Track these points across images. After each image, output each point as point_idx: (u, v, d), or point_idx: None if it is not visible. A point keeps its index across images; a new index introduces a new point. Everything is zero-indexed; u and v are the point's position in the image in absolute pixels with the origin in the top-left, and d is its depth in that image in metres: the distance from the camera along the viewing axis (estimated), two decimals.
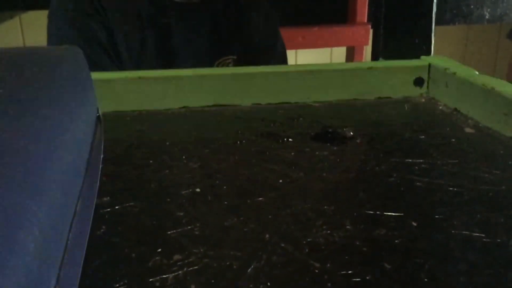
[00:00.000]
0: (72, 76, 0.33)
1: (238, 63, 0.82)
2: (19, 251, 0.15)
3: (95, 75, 0.40)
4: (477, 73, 0.48)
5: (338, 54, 1.58)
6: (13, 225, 0.16)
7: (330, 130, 0.45)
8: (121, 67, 0.76)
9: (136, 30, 0.77)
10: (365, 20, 1.33)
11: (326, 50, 1.55)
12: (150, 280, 0.24)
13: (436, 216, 0.30)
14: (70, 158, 0.25)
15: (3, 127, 0.21)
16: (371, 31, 1.30)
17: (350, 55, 1.39)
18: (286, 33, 1.26)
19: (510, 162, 0.38)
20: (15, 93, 0.26)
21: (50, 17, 0.79)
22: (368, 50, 1.36)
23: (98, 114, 0.34)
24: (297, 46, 1.31)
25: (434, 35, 0.96)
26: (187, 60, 0.79)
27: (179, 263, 0.26)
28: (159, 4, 0.78)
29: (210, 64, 0.80)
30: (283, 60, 0.90)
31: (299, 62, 1.59)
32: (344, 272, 0.25)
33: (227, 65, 0.81)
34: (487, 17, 1.34)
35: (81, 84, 0.33)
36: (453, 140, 0.43)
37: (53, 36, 0.78)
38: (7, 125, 0.22)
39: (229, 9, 0.83)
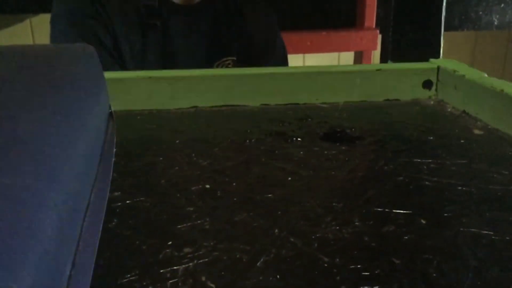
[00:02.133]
0: (86, 73, 0.33)
1: (237, 64, 0.83)
2: (38, 233, 0.16)
3: (107, 75, 0.41)
4: (485, 75, 0.48)
5: (346, 59, 1.58)
6: (33, 209, 0.17)
7: (338, 130, 0.45)
8: (124, 68, 0.77)
9: (137, 32, 0.78)
10: (373, 25, 1.33)
11: (334, 55, 1.56)
12: (161, 271, 0.25)
13: (445, 214, 0.31)
14: (85, 150, 0.25)
15: (24, 119, 0.22)
16: (379, 36, 1.30)
17: (358, 60, 1.40)
18: (294, 37, 1.27)
19: None
20: (34, 87, 0.26)
21: (52, 21, 0.79)
22: (376, 55, 1.36)
23: (110, 110, 0.35)
24: (305, 50, 1.31)
25: (443, 41, 0.97)
26: (186, 61, 0.79)
27: (189, 256, 0.26)
28: (159, 6, 0.78)
29: (210, 66, 0.81)
30: (284, 61, 0.90)
31: None
32: (353, 266, 0.25)
33: (227, 66, 0.81)
34: (496, 23, 1.35)
35: (94, 81, 0.33)
36: (462, 141, 0.43)
37: (56, 39, 0.79)
38: (27, 117, 0.22)
39: (228, 11, 0.84)
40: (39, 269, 0.15)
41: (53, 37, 0.79)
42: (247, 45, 0.84)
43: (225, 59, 0.81)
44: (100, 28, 0.76)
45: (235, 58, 0.82)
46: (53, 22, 0.79)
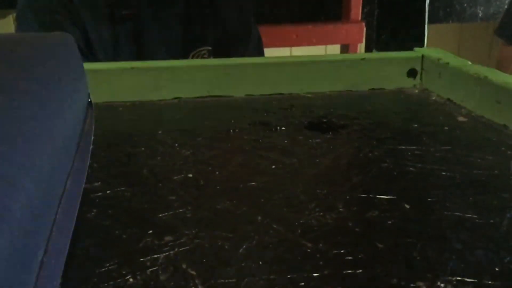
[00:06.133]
0: (64, 60, 0.32)
1: (213, 54, 0.82)
2: (6, 217, 0.15)
3: (87, 66, 0.40)
4: (469, 62, 0.48)
5: (332, 52, 1.58)
6: (1, 192, 0.16)
7: (323, 119, 0.45)
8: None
9: (108, 25, 0.75)
10: (359, 18, 1.33)
11: (321, 48, 1.56)
12: (141, 259, 0.24)
13: (429, 199, 0.30)
14: (61, 137, 0.24)
15: None
16: (365, 29, 1.30)
17: (344, 53, 1.39)
18: (280, 30, 1.26)
19: (503, 148, 0.38)
20: (8, 74, 0.26)
21: (18, 18, 0.76)
22: (362, 48, 1.36)
23: (89, 100, 0.34)
24: (291, 43, 1.31)
25: (428, 33, 0.97)
26: (161, 53, 0.78)
27: (170, 244, 0.26)
28: None
29: (185, 56, 0.79)
30: (259, 51, 0.90)
31: None
32: (336, 251, 0.25)
33: (202, 57, 0.80)
34: (480, 15, 1.35)
35: (72, 69, 0.33)
36: (446, 128, 0.43)
37: None
38: (0, 103, 0.22)
39: (201, 0, 0.82)
40: (7, 252, 0.15)
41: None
42: (221, 34, 0.83)
43: (200, 49, 0.80)
44: (68, 24, 0.74)
45: (210, 48, 0.81)
46: (18, 19, 0.76)
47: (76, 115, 0.30)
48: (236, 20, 0.85)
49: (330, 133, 0.42)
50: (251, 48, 0.87)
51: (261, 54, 0.90)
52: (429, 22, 0.95)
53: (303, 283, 0.22)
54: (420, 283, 0.22)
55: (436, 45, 0.58)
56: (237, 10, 0.86)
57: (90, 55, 0.75)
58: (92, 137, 0.31)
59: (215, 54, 0.82)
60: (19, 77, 0.26)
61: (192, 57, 0.79)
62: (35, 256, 0.17)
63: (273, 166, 0.35)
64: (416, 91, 0.53)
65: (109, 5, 0.76)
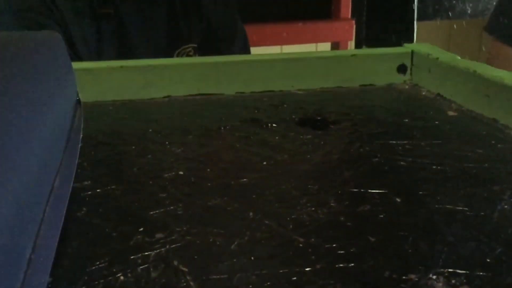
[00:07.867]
0: (51, 58, 0.32)
1: (199, 51, 0.81)
2: None
3: (77, 65, 0.39)
4: (459, 57, 0.48)
5: (322, 50, 1.58)
6: None
7: (314, 115, 0.45)
8: None
9: (91, 24, 0.74)
10: (349, 16, 1.33)
11: (311, 46, 1.56)
12: (132, 257, 0.24)
13: (420, 192, 0.30)
14: (49, 134, 0.24)
15: None
16: (354, 26, 1.30)
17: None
18: (270, 29, 1.26)
19: (492, 142, 0.38)
20: None
21: None
22: (352, 45, 1.37)
23: (77, 98, 0.34)
24: (282, 42, 1.31)
25: (417, 32, 0.97)
26: (146, 51, 0.77)
27: (161, 241, 0.25)
28: None
29: (171, 54, 0.79)
30: (246, 48, 0.89)
31: None
32: (329, 245, 0.25)
33: (188, 54, 0.80)
34: (469, 12, 1.36)
35: (60, 67, 0.32)
36: (437, 122, 0.43)
37: None
38: None
39: None
40: None
41: None
42: (207, 32, 0.83)
43: (185, 46, 0.80)
44: (50, 23, 0.73)
45: (195, 45, 0.81)
46: None
47: (64, 112, 0.29)
48: (221, 17, 0.85)
49: (321, 129, 0.42)
50: (237, 45, 0.87)
51: (247, 51, 0.89)
52: (418, 19, 0.95)
53: (295, 278, 0.22)
54: (412, 276, 0.22)
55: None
56: (222, 7, 0.86)
57: (72, 54, 0.74)
58: (81, 135, 0.31)
59: (201, 51, 0.81)
60: (6, 75, 0.26)
61: (178, 55, 0.79)
62: (23, 254, 0.17)
63: (265, 163, 0.35)
64: (407, 87, 0.53)
65: (91, 2, 0.75)
